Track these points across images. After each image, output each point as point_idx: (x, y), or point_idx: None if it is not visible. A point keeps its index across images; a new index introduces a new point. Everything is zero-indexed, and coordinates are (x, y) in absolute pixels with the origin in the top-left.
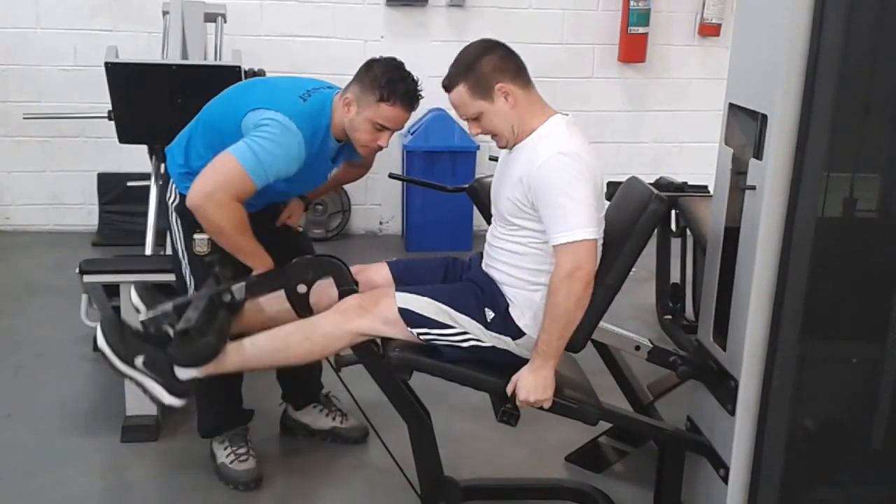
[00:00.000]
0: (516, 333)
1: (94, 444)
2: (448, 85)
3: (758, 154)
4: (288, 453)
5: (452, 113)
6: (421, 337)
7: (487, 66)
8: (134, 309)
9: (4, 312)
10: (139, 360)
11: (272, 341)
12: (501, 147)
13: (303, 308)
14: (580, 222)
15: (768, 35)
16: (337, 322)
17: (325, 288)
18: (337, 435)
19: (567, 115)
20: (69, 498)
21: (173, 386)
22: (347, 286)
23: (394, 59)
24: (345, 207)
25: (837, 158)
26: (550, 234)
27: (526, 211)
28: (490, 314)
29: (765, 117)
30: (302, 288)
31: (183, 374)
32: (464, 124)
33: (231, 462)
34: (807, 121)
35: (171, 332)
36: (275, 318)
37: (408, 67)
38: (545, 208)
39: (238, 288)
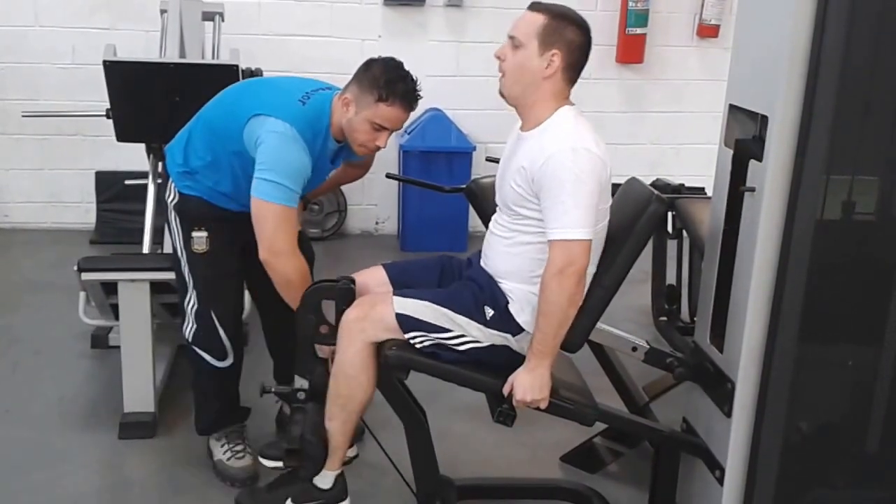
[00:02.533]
0: (516, 330)
1: (92, 440)
2: (535, 6)
3: (758, 156)
4: None
5: (450, 113)
6: (416, 343)
7: (569, 34)
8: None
9: (2, 309)
10: None
11: (335, 407)
12: (500, 93)
13: None
14: (577, 222)
15: (770, 36)
16: (349, 348)
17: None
18: None
19: (574, 104)
20: (67, 494)
21: (330, 496)
22: (341, 296)
23: (392, 59)
24: (341, 207)
25: (838, 161)
26: (547, 227)
27: (530, 200)
28: (490, 312)
29: (765, 119)
30: (324, 329)
31: (324, 482)
32: (462, 119)
33: (228, 459)
34: (807, 123)
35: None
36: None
37: (406, 67)
38: (547, 201)
39: (300, 389)
